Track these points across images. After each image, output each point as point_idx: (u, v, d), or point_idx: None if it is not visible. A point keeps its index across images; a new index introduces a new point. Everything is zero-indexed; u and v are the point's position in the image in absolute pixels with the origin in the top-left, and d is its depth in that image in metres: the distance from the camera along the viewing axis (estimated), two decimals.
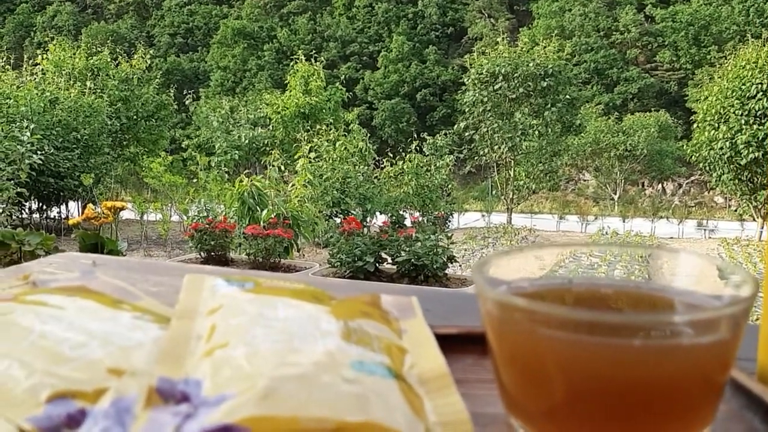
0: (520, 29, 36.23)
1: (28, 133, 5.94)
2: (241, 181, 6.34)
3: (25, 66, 13.20)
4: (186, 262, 4.00)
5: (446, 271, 3.42)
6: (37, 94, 10.89)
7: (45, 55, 13.62)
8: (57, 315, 0.41)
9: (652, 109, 29.93)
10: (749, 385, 0.37)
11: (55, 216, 12.10)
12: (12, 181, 5.65)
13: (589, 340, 0.30)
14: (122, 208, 4.61)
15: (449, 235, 3.49)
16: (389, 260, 3.46)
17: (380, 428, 0.30)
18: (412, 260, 3.16)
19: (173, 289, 0.71)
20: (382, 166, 12.88)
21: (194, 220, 8.03)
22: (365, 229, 5.65)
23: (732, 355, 0.31)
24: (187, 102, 15.60)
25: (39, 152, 6.32)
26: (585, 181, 29.86)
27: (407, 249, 3.18)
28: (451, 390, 0.35)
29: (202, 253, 4.19)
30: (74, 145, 10.91)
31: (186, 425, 0.30)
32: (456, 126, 16.02)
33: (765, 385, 0.39)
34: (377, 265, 3.43)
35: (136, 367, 0.36)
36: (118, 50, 14.99)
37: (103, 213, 3.99)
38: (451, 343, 0.45)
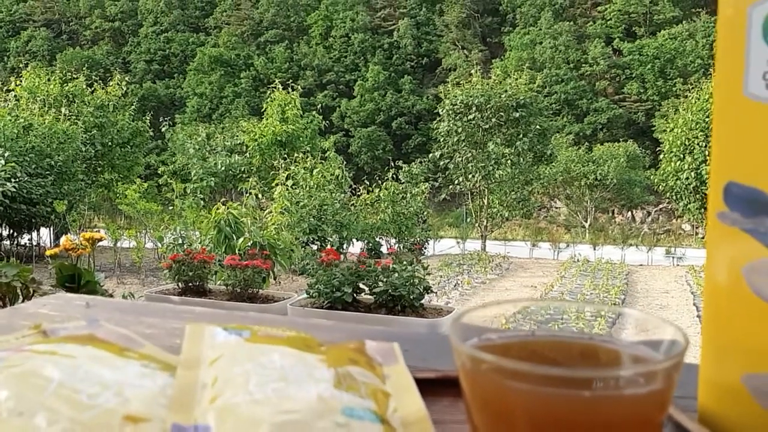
0: (493, 60, 37.04)
1: (2, 161, 5.88)
2: (217, 209, 6.34)
3: None
4: (164, 292, 3.99)
5: (422, 301, 3.47)
6: (10, 120, 10.78)
7: (18, 81, 13.50)
8: (72, 365, 0.45)
9: (621, 139, 30.66)
10: (688, 426, 0.43)
11: (26, 243, 11.88)
12: None
13: (547, 391, 0.35)
14: (100, 240, 4.59)
15: (425, 266, 3.54)
16: (367, 290, 3.50)
17: None
18: (390, 291, 3.20)
19: (165, 332, 0.75)
20: (359, 193, 12.96)
21: (170, 248, 7.99)
22: (342, 257, 5.69)
23: (667, 400, 0.37)
24: (163, 129, 15.56)
25: (12, 180, 6.24)
26: (557, 208, 30.33)
27: (384, 280, 3.22)
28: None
29: (179, 284, 4.18)
30: (48, 172, 10.78)
31: None
32: (431, 154, 16.24)
33: (704, 425, 0.45)
34: (355, 295, 3.46)
35: (149, 414, 0.40)
36: (93, 76, 14.94)
37: (81, 244, 3.99)
38: (430, 386, 0.50)
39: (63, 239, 4.08)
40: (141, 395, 0.42)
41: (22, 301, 2.89)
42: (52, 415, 0.39)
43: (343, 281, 3.29)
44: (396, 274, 3.21)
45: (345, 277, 3.29)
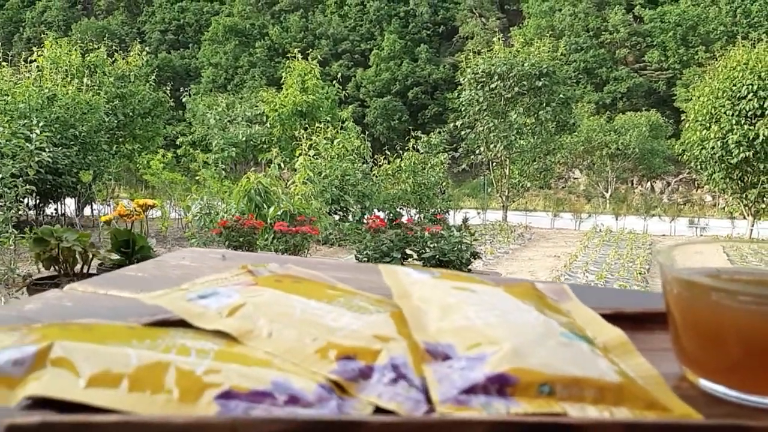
0: (511, 29, 36.46)
1: (38, 131, 5.98)
2: (248, 178, 6.42)
3: (20, 61, 13.16)
4: None
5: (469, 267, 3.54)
6: (34, 90, 10.88)
7: (40, 51, 13.57)
8: (300, 298, 0.51)
9: (643, 108, 30.24)
10: None
11: (51, 213, 12.08)
12: (21, 179, 5.70)
13: (754, 309, 0.41)
14: (153, 206, 4.71)
15: (472, 232, 3.60)
16: (415, 256, 3.57)
17: (605, 383, 0.40)
18: (438, 256, 3.28)
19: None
20: (380, 164, 12.99)
21: (196, 217, 8.11)
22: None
23: None
24: (183, 99, 15.58)
25: (46, 150, 6.36)
26: (576, 179, 30.13)
27: (433, 245, 3.30)
28: (635, 354, 0.46)
29: (230, 249, 4.28)
30: (72, 142, 10.91)
31: (468, 374, 0.40)
32: (452, 124, 16.16)
33: None
34: (403, 261, 3.54)
35: (392, 334, 0.46)
36: (110, 47, 14.98)
37: (135, 210, 4.10)
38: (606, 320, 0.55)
39: (117, 206, 4.20)
40: (371, 322, 0.48)
41: (82, 266, 2.99)
42: (308, 335, 0.45)
43: (392, 247, 3.37)
44: (443, 241, 3.29)
45: (393, 243, 3.37)
